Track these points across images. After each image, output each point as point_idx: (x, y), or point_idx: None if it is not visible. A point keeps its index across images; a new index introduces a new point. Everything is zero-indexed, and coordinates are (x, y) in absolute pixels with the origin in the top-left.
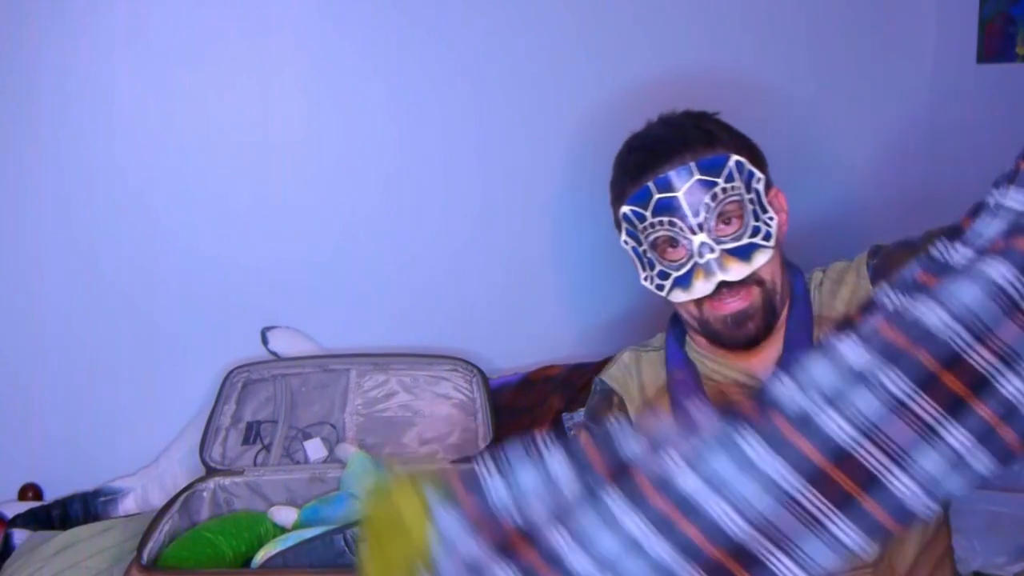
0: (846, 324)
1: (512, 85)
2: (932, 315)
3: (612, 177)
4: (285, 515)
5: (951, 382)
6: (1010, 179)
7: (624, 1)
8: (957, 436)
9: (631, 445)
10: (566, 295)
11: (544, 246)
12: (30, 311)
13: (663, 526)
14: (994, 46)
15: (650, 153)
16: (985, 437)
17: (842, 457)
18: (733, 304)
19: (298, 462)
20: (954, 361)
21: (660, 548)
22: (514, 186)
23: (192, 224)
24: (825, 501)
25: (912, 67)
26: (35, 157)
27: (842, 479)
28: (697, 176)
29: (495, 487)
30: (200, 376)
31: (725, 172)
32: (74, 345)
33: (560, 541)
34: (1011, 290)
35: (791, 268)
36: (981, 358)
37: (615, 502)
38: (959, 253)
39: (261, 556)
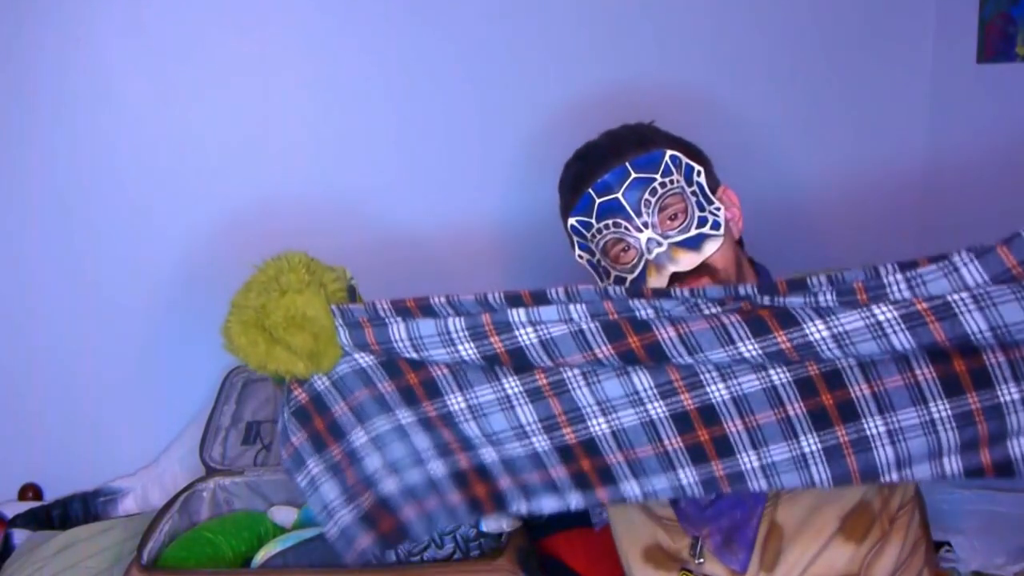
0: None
1: (513, 86)
2: (826, 343)
3: (559, 200)
4: (285, 515)
5: (827, 401)
6: (978, 255)
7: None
8: (811, 441)
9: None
10: None
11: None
12: (30, 310)
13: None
14: (994, 46)
15: (587, 163)
16: (832, 455)
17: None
18: None
19: None
20: (838, 383)
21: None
22: (514, 187)
23: (191, 223)
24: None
25: (912, 67)
26: (33, 156)
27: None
28: (634, 175)
29: (395, 325)
30: (200, 376)
31: (661, 167)
32: (74, 345)
33: (440, 376)
34: (894, 337)
35: (760, 269)
36: (861, 391)
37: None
38: (898, 288)
39: (261, 556)
